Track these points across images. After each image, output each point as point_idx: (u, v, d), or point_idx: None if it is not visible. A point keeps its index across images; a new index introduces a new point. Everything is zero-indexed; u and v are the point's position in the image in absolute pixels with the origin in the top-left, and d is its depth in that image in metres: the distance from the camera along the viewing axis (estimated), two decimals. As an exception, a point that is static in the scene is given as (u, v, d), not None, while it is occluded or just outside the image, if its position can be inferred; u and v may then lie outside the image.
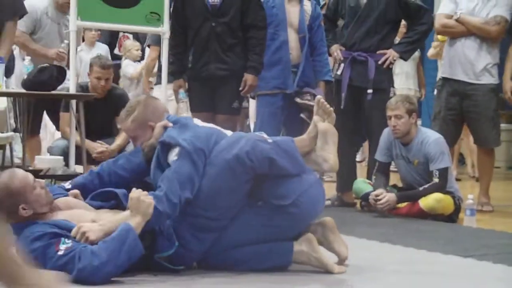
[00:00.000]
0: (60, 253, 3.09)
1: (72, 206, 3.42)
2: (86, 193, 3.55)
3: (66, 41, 6.20)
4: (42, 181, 3.42)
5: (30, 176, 3.32)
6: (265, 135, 3.40)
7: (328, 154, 3.53)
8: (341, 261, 3.54)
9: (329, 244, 3.56)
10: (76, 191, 3.53)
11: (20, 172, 3.35)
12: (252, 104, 7.08)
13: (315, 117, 3.61)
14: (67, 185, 3.61)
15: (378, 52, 5.91)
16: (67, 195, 3.54)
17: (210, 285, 3.17)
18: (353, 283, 3.31)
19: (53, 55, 6.09)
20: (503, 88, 6.02)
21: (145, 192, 3.18)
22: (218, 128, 3.57)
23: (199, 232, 3.31)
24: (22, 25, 6.05)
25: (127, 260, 3.10)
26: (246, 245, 3.37)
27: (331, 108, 3.66)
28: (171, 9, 5.68)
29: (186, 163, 3.27)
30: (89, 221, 3.26)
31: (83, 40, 8.87)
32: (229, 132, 3.54)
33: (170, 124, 3.47)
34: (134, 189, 3.21)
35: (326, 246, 3.56)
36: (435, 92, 6.49)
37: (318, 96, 3.75)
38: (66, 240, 3.13)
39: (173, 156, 3.31)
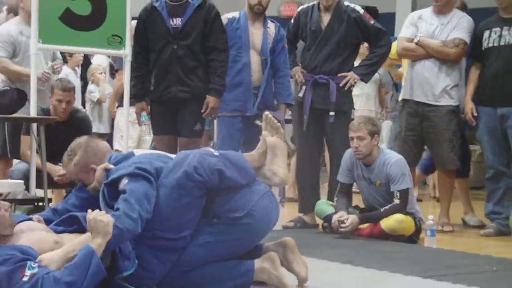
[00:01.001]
0: (25, 278, 3.05)
1: (34, 229, 3.39)
2: (48, 224, 3.53)
3: (51, 63, 6.19)
4: (6, 203, 3.39)
5: None
6: (211, 150, 3.43)
7: (278, 167, 3.58)
8: (301, 282, 3.55)
9: (288, 264, 3.58)
10: (39, 217, 3.52)
11: None
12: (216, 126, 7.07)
13: (264, 133, 3.66)
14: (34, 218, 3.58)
15: (339, 74, 5.96)
16: (30, 219, 3.52)
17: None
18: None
19: (38, 75, 6.04)
20: (464, 109, 6.10)
21: (102, 212, 3.17)
22: (162, 153, 3.59)
23: (159, 252, 3.31)
24: (0, 50, 6.03)
25: (91, 285, 3.08)
26: (206, 263, 3.36)
27: (279, 124, 3.71)
28: (133, 31, 5.68)
29: (138, 183, 3.28)
30: (52, 242, 3.25)
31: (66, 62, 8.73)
32: (173, 156, 3.56)
33: (111, 166, 3.48)
34: (89, 211, 3.19)
35: (285, 266, 3.58)
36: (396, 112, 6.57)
37: (266, 112, 3.80)
38: (32, 265, 3.09)
39: (122, 185, 3.31)
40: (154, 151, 3.66)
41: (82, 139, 3.74)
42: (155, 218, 3.27)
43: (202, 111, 5.39)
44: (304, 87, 6.04)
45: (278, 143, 3.61)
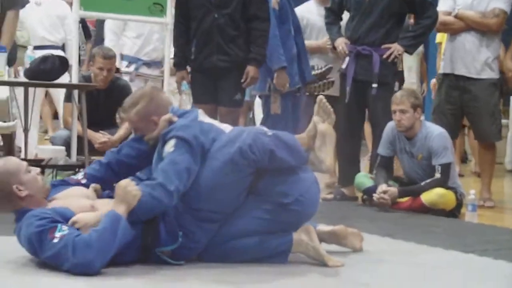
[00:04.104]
0: (55, 240, 3.07)
1: (70, 195, 3.39)
2: (104, 186, 3.51)
3: None
4: (37, 168, 3.42)
5: (23, 162, 3.37)
6: (265, 128, 3.40)
7: (325, 155, 3.57)
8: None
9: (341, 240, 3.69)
10: (96, 185, 3.48)
11: (13, 157, 3.43)
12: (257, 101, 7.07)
13: (315, 118, 3.64)
14: (81, 178, 3.55)
15: (383, 46, 5.88)
16: (67, 183, 3.52)
17: (213, 276, 3.16)
18: (350, 274, 3.29)
19: None
20: (504, 68, 5.99)
21: (133, 183, 3.19)
22: (218, 124, 3.56)
23: (203, 223, 3.31)
24: None
25: (119, 246, 3.10)
26: (246, 236, 3.37)
27: (332, 109, 3.67)
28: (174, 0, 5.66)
29: (182, 154, 3.27)
30: (88, 207, 3.26)
31: None
32: (227, 128, 3.54)
33: (175, 118, 3.46)
34: (125, 179, 3.21)
35: (338, 243, 3.69)
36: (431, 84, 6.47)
37: (320, 96, 3.76)
38: (63, 227, 3.11)
39: (169, 147, 3.31)
40: (212, 120, 3.59)
41: (147, 88, 3.72)
42: (202, 190, 3.28)
43: (242, 81, 5.36)
44: (347, 58, 5.97)
45: (328, 131, 3.60)
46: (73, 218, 3.17)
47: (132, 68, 6.68)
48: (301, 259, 3.44)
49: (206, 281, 3.08)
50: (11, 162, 3.33)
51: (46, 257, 3.11)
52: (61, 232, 3.09)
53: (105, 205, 3.25)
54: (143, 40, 6.72)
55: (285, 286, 3.08)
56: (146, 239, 3.23)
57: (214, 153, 3.33)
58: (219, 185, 3.29)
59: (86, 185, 3.49)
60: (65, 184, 3.53)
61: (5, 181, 3.24)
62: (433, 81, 7.47)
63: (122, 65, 6.66)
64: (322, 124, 3.61)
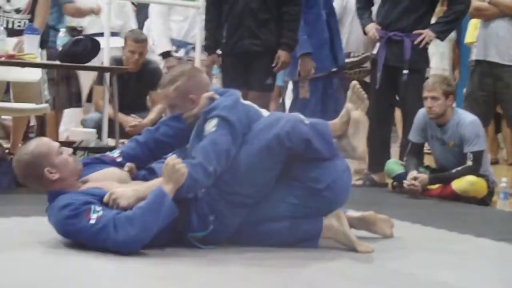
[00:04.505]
0: (92, 221, 3.07)
1: (104, 178, 3.38)
2: (140, 165, 3.49)
3: None
4: (69, 149, 3.41)
5: (55, 143, 3.35)
6: (302, 116, 3.40)
7: (358, 142, 3.56)
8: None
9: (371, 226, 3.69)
10: (131, 164, 3.47)
11: (44, 138, 3.41)
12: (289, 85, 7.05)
13: (349, 104, 3.62)
14: (117, 156, 3.51)
15: (414, 32, 5.83)
16: (101, 161, 3.52)
17: (243, 260, 3.16)
18: (381, 260, 3.28)
19: None
20: None
21: (180, 160, 3.16)
22: (256, 108, 3.55)
23: (236, 207, 3.32)
24: None
25: (162, 224, 3.10)
26: (276, 221, 3.37)
27: (365, 95, 3.66)
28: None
29: (223, 135, 3.26)
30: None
31: None
32: (265, 112, 3.53)
33: (217, 96, 3.45)
34: (171, 156, 3.19)
35: (368, 229, 3.69)
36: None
37: (354, 82, 3.74)
38: (97, 208, 3.10)
39: (210, 126, 3.29)
40: (250, 103, 3.57)
41: (187, 66, 3.70)
42: (237, 174, 3.28)
43: (273, 65, 5.35)
44: (377, 44, 5.94)
45: (361, 118, 3.59)
46: (109, 192, 3.16)
47: (182, 52, 6.58)
48: (331, 244, 3.43)
49: (236, 265, 3.08)
50: (43, 144, 3.31)
51: (84, 239, 3.10)
52: (96, 213, 3.08)
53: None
54: (189, 23, 6.61)
55: (316, 271, 3.07)
56: (177, 223, 3.22)
57: (251, 138, 3.32)
58: (254, 170, 3.29)
59: (121, 164, 3.47)
60: (100, 162, 3.50)
61: (36, 163, 3.23)
62: None
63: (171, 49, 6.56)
64: (355, 111, 3.60)
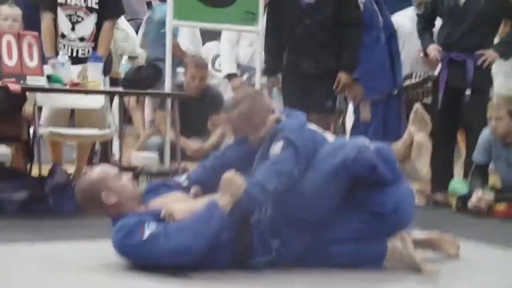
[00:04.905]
0: (144, 238, 3.09)
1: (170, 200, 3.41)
2: (206, 190, 3.50)
3: None
4: (129, 175, 3.45)
5: (113, 169, 3.43)
6: (367, 141, 3.39)
7: (422, 166, 3.57)
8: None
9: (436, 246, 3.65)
10: (197, 188, 3.50)
11: (105, 165, 3.52)
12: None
13: (411, 127, 3.60)
14: (184, 181, 3.56)
15: (477, 52, 5.77)
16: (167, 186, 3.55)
17: (308, 284, 3.15)
18: (448, 282, 3.23)
19: None
20: None
21: (238, 174, 3.18)
22: (321, 132, 3.55)
23: (301, 232, 3.32)
24: None
25: (214, 237, 3.11)
26: (340, 244, 3.36)
27: (429, 117, 3.63)
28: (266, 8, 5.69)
29: (287, 157, 3.26)
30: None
31: None
32: (330, 136, 3.53)
33: (283, 118, 3.47)
34: (230, 172, 3.21)
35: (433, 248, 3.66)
36: None
37: (417, 105, 3.72)
38: (150, 224, 3.13)
39: (277, 149, 3.30)
40: (313, 126, 3.57)
41: (250, 90, 3.76)
42: (302, 200, 3.28)
43: (334, 87, 5.34)
44: (439, 65, 5.90)
45: (425, 141, 3.59)
46: (165, 208, 3.20)
47: (245, 77, 6.62)
48: (396, 266, 3.40)
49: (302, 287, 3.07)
50: (102, 170, 3.38)
51: (140, 256, 3.13)
52: (149, 229, 3.11)
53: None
54: (254, 48, 6.61)
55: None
56: (239, 248, 3.24)
57: (317, 163, 3.32)
58: (320, 195, 3.29)
59: (187, 188, 3.50)
60: (165, 186, 3.54)
61: (94, 188, 3.30)
62: None
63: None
64: (418, 134, 3.58)
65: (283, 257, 3.30)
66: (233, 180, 3.16)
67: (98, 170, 3.38)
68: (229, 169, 3.42)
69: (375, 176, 3.34)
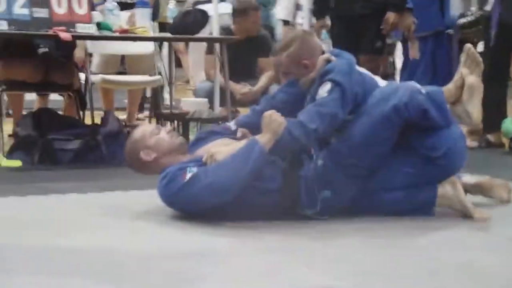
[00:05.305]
0: (186, 180, 3.14)
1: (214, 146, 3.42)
2: (255, 132, 3.44)
3: None
4: (167, 128, 3.51)
5: (150, 126, 3.52)
6: (418, 85, 3.36)
7: (473, 109, 3.50)
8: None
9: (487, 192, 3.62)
10: (244, 130, 3.50)
11: (140, 127, 3.58)
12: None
13: (463, 69, 3.54)
14: (232, 126, 3.57)
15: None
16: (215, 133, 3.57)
17: (356, 230, 3.16)
18: (499, 228, 3.22)
19: None
20: None
21: (279, 114, 3.20)
22: (371, 75, 3.52)
23: (352, 179, 3.32)
24: None
25: (254, 170, 3.13)
26: (391, 191, 3.36)
27: (480, 58, 3.57)
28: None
29: (335, 100, 3.25)
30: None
31: None
32: (380, 80, 3.50)
33: (333, 58, 3.43)
34: (270, 110, 3.22)
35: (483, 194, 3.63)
36: None
37: (468, 45, 3.65)
38: (192, 168, 3.17)
39: (324, 91, 3.28)
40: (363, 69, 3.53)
41: (298, 32, 3.71)
42: (355, 146, 3.28)
43: (382, 27, 5.29)
44: (492, 0, 5.76)
45: (476, 83, 3.52)
46: (206, 152, 3.23)
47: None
48: (447, 212, 3.39)
49: (349, 235, 3.09)
50: (137, 130, 3.46)
51: (183, 200, 3.17)
52: (191, 172, 3.15)
53: None
54: None
55: (432, 241, 3.04)
56: (285, 200, 3.25)
57: (368, 109, 3.30)
58: (372, 141, 3.28)
59: (235, 131, 3.50)
60: (214, 133, 3.56)
61: (133, 150, 3.38)
62: None
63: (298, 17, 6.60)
64: (470, 76, 3.53)
65: (332, 208, 3.31)
66: (274, 118, 3.17)
67: (135, 133, 3.44)
68: (279, 112, 3.36)
69: (426, 121, 3.32)
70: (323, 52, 3.49)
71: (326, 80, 3.30)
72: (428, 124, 3.33)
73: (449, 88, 3.53)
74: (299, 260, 2.73)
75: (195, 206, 3.20)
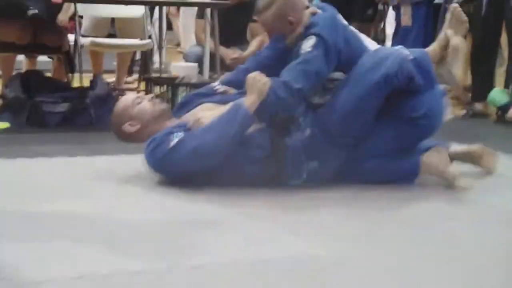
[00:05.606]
0: (171, 145, 3.14)
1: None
2: (240, 89, 3.44)
3: None
4: (149, 96, 3.50)
5: (132, 96, 3.49)
6: (406, 51, 3.35)
7: (456, 70, 3.51)
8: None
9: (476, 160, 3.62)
10: (226, 87, 3.48)
11: (123, 97, 3.57)
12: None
13: (447, 30, 3.54)
14: (217, 84, 3.54)
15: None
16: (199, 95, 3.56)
17: (333, 201, 3.17)
18: (483, 198, 3.24)
19: None
20: None
21: (263, 74, 3.18)
22: (355, 31, 3.50)
23: (340, 148, 3.33)
24: None
25: (239, 133, 3.14)
26: (375, 157, 3.37)
27: (465, 17, 3.56)
28: None
29: (317, 56, 3.24)
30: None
31: None
32: (365, 38, 3.48)
33: (318, 11, 3.41)
34: (254, 72, 3.21)
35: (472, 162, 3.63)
36: None
37: (454, 4, 3.64)
38: (178, 133, 3.17)
39: (307, 46, 3.26)
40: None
41: None
42: (344, 116, 3.27)
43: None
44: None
45: (460, 44, 3.52)
46: (193, 118, 3.23)
47: None
48: (430, 181, 3.41)
49: (333, 205, 3.10)
50: (119, 104, 3.45)
51: (170, 164, 3.16)
52: (177, 137, 3.15)
53: None
54: None
55: (409, 213, 3.06)
56: (271, 170, 3.25)
57: (358, 77, 3.28)
58: (361, 109, 3.29)
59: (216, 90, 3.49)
60: (199, 96, 3.53)
61: (118, 122, 3.38)
62: None
63: None
64: (454, 37, 3.52)
65: (317, 177, 3.32)
66: (257, 79, 3.16)
67: (118, 105, 3.44)
68: (265, 68, 3.38)
69: (412, 86, 3.32)
70: (307, 7, 3.45)
71: (311, 34, 3.28)
72: (412, 88, 3.32)
73: (434, 49, 3.52)
74: (285, 228, 2.75)
75: (181, 171, 3.20)
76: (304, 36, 3.31)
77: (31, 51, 5.49)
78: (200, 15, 5.93)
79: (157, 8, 6.17)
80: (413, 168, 3.40)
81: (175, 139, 3.16)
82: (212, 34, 5.58)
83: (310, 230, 2.75)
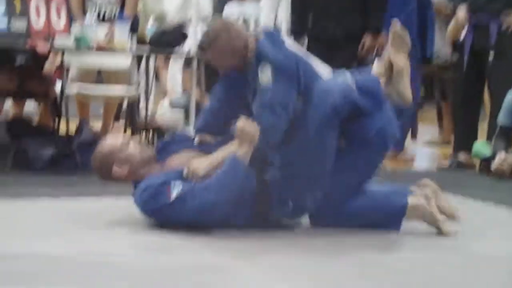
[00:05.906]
0: (172, 198, 3.13)
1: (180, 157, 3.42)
2: (212, 133, 3.49)
3: None
4: (137, 138, 3.50)
5: (120, 138, 3.45)
6: (349, 80, 3.33)
7: (404, 89, 3.56)
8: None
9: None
10: (201, 136, 3.50)
11: (110, 137, 3.52)
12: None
13: (391, 49, 3.58)
14: (193, 136, 3.55)
15: (502, 15, 5.73)
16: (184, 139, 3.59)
17: (316, 246, 3.17)
18: (465, 246, 3.25)
19: None
20: None
21: (250, 121, 3.19)
22: (303, 53, 3.51)
23: (312, 189, 3.33)
24: None
25: (241, 194, 3.15)
26: (355, 194, 3.37)
27: (408, 36, 3.61)
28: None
29: (282, 88, 3.26)
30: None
31: None
32: (314, 61, 3.51)
33: (261, 36, 3.41)
34: (241, 119, 3.21)
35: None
36: None
37: (395, 25, 3.64)
38: (176, 183, 3.16)
39: (265, 77, 3.27)
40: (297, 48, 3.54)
41: (220, 22, 3.60)
42: (304, 154, 3.27)
43: (359, 50, 5.34)
44: (466, 27, 5.86)
45: (404, 64, 3.56)
46: (187, 167, 3.22)
47: None
48: (413, 225, 3.41)
49: (311, 251, 3.09)
50: (106, 144, 3.40)
51: (167, 216, 3.18)
52: (176, 189, 3.15)
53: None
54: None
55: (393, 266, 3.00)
56: (258, 205, 3.27)
57: (311, 113, 3.25)
58: (320, 146, 3.27)
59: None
60: (175, 142, 3.54)
61: (105, 165, 3.35)
62: None
63: None
64: (398, 56, 3.57)
65: (302, 213, 3.35)
66: (246, 129, 3.16)
67: (105, 145, 3.39)
68: (228, 105, 3.45)
69: (358, 113, 3.33)
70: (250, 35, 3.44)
71: (264, 63, 3.28)
72: (361, 113, 3.34)
73: (379, 70, 3.59)
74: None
75: (179, 223, 3.20)
76: (256, 63, 3.31)
77: (18, 97, 5.52)
78: (187, 65, 6.00)
79: (143, 60, 6.23)
80: (400, 209, 3.38)
81: (173, 191, 3.15)
82: (198, 83, 5.64)
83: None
